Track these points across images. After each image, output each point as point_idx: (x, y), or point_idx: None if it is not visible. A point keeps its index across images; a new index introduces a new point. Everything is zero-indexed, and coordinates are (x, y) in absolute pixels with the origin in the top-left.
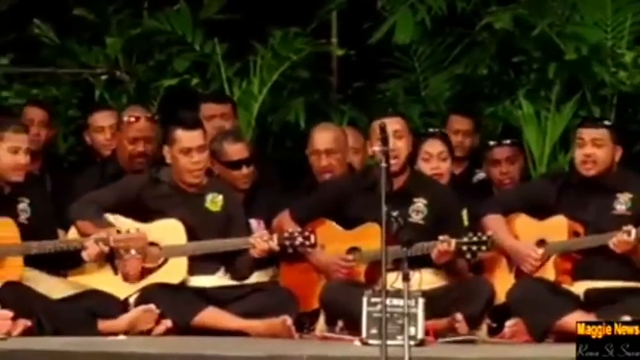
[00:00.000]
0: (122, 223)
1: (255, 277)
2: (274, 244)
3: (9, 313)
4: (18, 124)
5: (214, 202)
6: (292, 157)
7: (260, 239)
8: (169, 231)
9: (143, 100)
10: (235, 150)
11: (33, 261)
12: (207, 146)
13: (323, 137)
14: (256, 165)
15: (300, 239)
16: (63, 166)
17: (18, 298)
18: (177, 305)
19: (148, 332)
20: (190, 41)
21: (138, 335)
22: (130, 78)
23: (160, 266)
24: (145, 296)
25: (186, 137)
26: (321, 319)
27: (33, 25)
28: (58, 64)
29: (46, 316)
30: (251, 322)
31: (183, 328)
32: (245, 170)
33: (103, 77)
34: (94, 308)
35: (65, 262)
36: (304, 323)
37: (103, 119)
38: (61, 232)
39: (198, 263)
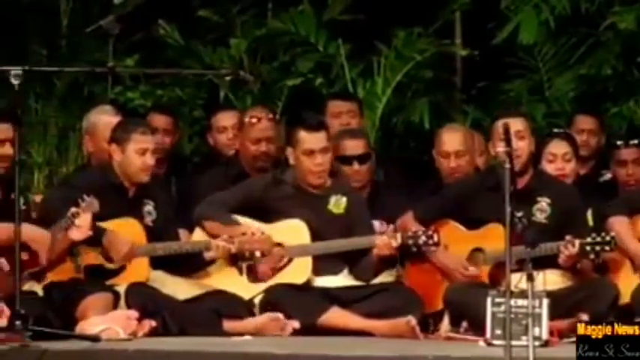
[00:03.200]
0: (246, 223)
1: (380, 278)
2: (397, 242)
3: (135, 314)
4: (145, 126)
5: (338, 204)
6: (416, 157)
7: (384, 238)
8: (293, 231)
9: (267, 101)
10: (350, 145)
11: (158, 262)
12: (331, 147)
13: (452, 139)
14: (380, 165)
15: (423, 238)
16: (188, 168)
17: (144, 298)
18: (302, 306)
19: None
20: (314, 42)
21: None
22: (254, 79)
23: (284, 266)
24: (269, 297)
25: (310, 139)
26: (446, 320)
27: (158, 26)
28: (182, 65)
29: (172, 317)
30: (375, 322)
31: (308, 329)
32: (356, 166)
33: (228, 78)
34: (219, 308)
35: (190, 263)
36: (429, 324)
37: (225, 119)
38: (184, 234)
39: (323, 263)
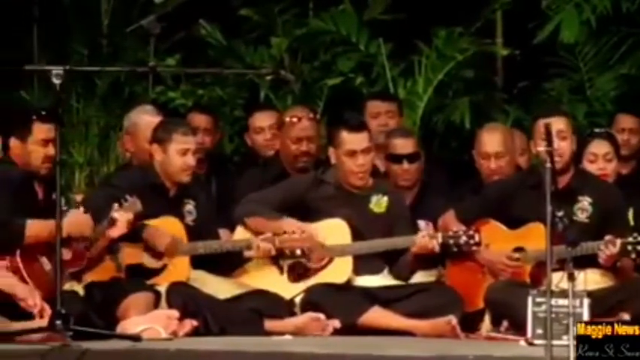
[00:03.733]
0: (287, 223)
1: (421, 277)
2: (436, 242)
3: (175, 313)
4: (186, 126)
5: (379, 203)
6: (457, 157)
7: (424, 238)
8: (334, 231)
9: (308, 100)
10: (400, 144)
11: (199, 262)
12: (373, 147)
13: (492, 140)
14: (424, 165)
15: (464, 238)
16: (228, 168)
17: (185, 298)
18: (343, 305)
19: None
20: (355, 41)
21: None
22: (295, 78)
23: (324, 266)
24: (310, 296)
25: (352, 139)
26: (487, 319)
27: (199, 25)
28: (223, 64)
29: (213, 316)
30: (416, 322)
31: (350, 328)
32: (405, 165)
33: (268, 77)
34: (260, 308)
35: (230, 263)
36: (469, 323)
37: (261, 120)
38: (225, 233)
39: (363, 263)
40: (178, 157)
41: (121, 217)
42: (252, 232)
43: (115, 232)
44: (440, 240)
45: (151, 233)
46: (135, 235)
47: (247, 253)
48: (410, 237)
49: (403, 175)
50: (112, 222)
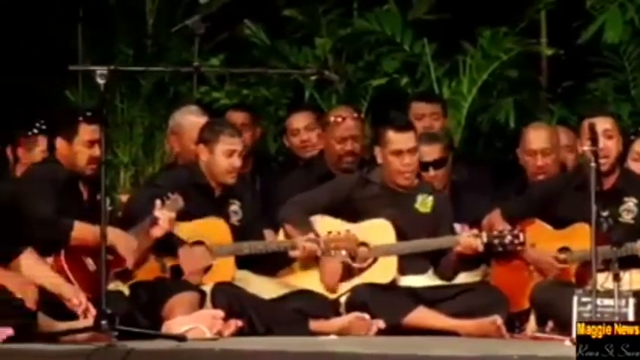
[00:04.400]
0: (331, 223)
1: (466, 277)
2: (480, 241)
3: (220, 313)
4: (233, 128)
5: (424, 203)
6: (502, 156)
7: (467, 238)
8: (378, 231)
9: (352, 101)
10: (425, 151)
11: (243, 262)
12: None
13: (538, 137)
14: (466, 165)
15: (509, 238)
16: (272, 167)
17: (229, 298)
18: (388, 305)
19: None
20: (400, 41)
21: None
22: (339, 78)
23: (369, 266)
24: (355, 296)
25: (399, 139)
26: (532, 319)
27: (243, 25)
28: (268, 64)
29: (258, 316)
30: (461, 321)
31: (394, 328)
32: (432, 172)
33: (313, 78)
34: (305, 308)
35: (275, 263)
36: (514, 323)
37: (298, 121)
38: (269, 233)
39: (408, 263)
40: (224, 158)
41: (163, 216)
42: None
43: (158, 231)
44: (485, 240)
45: (185, 255)
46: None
47: (292, 254)
48: (454, 237)
49: (431, 182)
50: (154, 221)
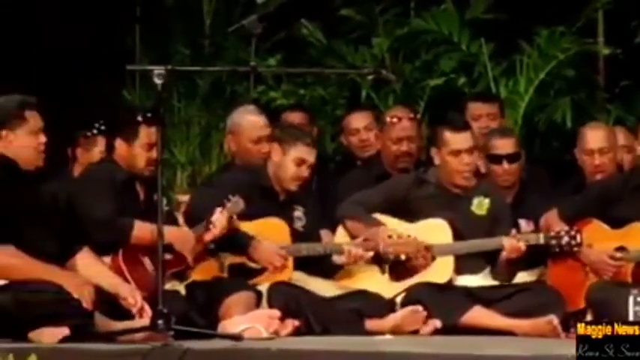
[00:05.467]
0: (388, 223)
1: (522, 277)
2: (523, 243)
3: (277, 313)
4: (308, 137)
5: (481, 205)
6: (559, 156)
7: (511, 240)
8: (435, 231)
9: (409, 101)
10: (500, 144)
11: (300, 263)
12: (476, 147)
13: (596, 136)
14: (525, 165)
15: (566, 238)
16: (329, 168)
17: (286, 298)
18: (444, 304)
19: (415, 332)
20: (457, 41)
21: (405, 335)
22: (396, 78)
23: (426, 265)
24: (411, 296)
25: (456, 139)
26: (588, 319)
27: (300, 25)
28: (325, 64)
29: (315, 316)
30: (517, 321)
31: (450, 328)
32: (506, 165)
33: (370, 77)
34: (361, 308)
35: (331, 264)
36: (570, 323)
37: (357, 121)
38: (326, 233)
39: (464, 263)
40: (293, 164)
41: (218, 222)
42: (350, 235)
43: (209, 236)
44: (542, 240)
45: (257, 249)
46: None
47: (337, 260)
48: (498, 239)
49: (503, 176)
50: (209, 225)
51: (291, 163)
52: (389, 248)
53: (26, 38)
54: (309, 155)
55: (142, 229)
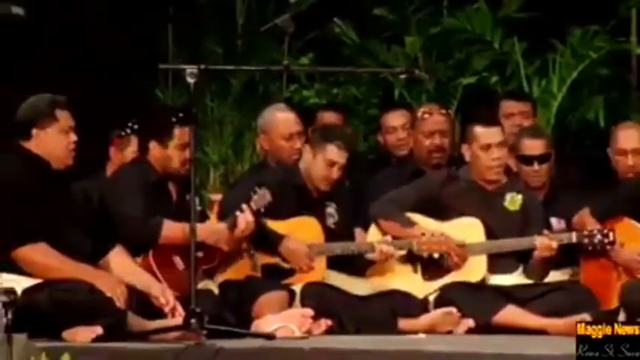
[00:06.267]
0: (421, 222)
1: (555, 276)
2: (555, 242)
3: (310, 312)
4: (340, 139)
5: (513, 201)
6: (592, 155)
7: (543, 239)
8: (468, 229)
9: (442, 99)
10: (531, 145)
11: (333, 262)
12: (507, 143)
13: (628, 136)
14: (555, 164)
15: (599, 237)
16: (362, 166)
17: (320, 297)
18: (478, 304)
19: (449, 331)
20: (490, 39)
21: (438, 334)
22: (429, 77)
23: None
24: (445, 295)
25: (486, 133)
26: (621, 318)
27: (333, 24)
28: (357, 63)
29: (348, 315)
30: (551, 320)
31: (484, 327)
32: (536, 166)
33: (403, 76)
34: (394, 307)
35: (364, 263)
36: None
37: (394, 119)
38: (359, 232)
39: (498, 261)
40: (324, 166)
41: (242, 219)
42: (383, 234)
43: (237, 230)
44: (575, 239)
45: (288, 250)
46: (270, 243)
47: (369, 256)
48: (530, 238)
49: (534, 176)
50: (234, 223)
51: (321, 164)
52: (423, 246)
53: (60, 38)
54: (340, 157)
55: (171, 229)
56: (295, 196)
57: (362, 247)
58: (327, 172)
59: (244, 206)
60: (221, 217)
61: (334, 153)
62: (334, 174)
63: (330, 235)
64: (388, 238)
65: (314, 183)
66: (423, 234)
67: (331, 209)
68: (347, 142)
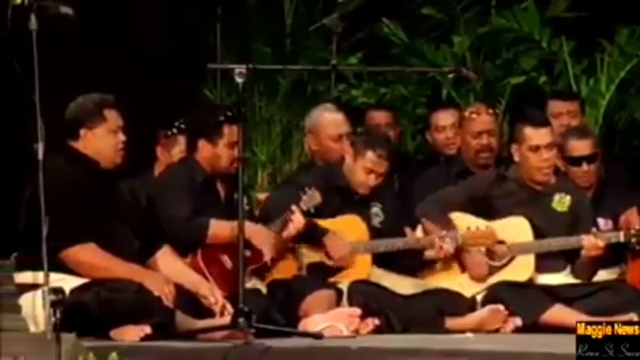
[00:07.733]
0: (469, 221)
1: (602, 276)
2: (602, 241)
3: (357, 311)
4: (384, 149)
5: (562, 202)
6: (639, 155)
7: (590, 238)
8: (516, 229)
9: (490, 99)
10: (578, 146)
11: (381, 260)
12: (555, 143)
13: None
14: (603, 163)
15: None
16: (410, 165)
17: (367, 296)
18: (525, 303)
19: (496, 330)
20: (538, 39)
21: (485, 333)
22: (477, 76)
23: (506, 264)
24: (492, 294)
25: (536, 135)
26: None
27: (382, 24)
28: (406, 62)
29: (395, 314)
30: (597, 320)
31: (531, 326)
32: (585, 167)
33: (451, 76)
34: (442, 306)
35: (411, 261)
36: None
37: (444, 119)
38: (408, 231)
39: (545, 261)
40: (362, 171)
41: (295, 217)
42: (428, 234)
43: (288, 232)
44: (622, 239)
45: (330, 242)
46: (316, 237)
47: (428, 254)
48: (578, 237)
49: (582, 177)
50: (285, 223)
51: (360, 170)
52: (468, 241)
53: (109, 38)
54: (378, 167)
55: (219, 228)
56: (339, 196)
57: (408, 244)
58: (365, 179)
59: (294, 207)
60: (263, 216)
61: (373, 162)
62: (371, 181)
63: (377, 234)
64: (445, 232)
65: (354, 185)
66: (469, 228)
67: (376, 209)
68: (390, 149)
